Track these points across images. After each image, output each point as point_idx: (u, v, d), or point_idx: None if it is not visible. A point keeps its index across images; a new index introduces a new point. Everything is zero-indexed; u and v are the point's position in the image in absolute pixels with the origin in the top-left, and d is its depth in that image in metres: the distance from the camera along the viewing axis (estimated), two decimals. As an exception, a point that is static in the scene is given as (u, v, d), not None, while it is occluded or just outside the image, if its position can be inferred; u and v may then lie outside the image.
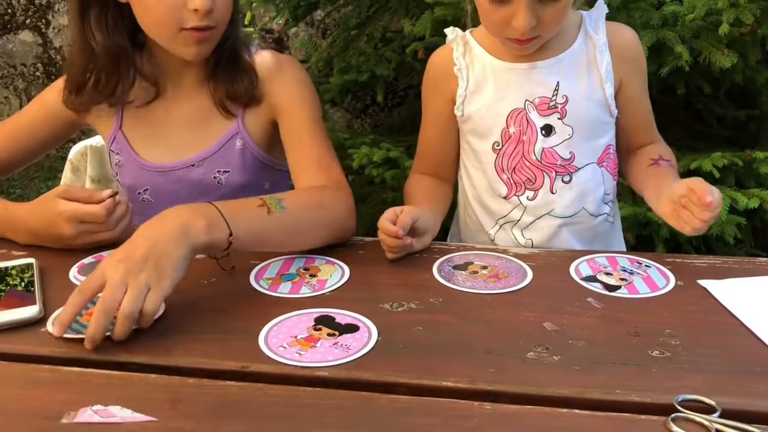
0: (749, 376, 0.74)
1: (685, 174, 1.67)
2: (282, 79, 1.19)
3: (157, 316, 0.83)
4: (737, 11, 1.62)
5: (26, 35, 3.77)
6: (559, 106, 1.09)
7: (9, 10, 3.73)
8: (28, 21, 3.75)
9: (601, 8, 1.13)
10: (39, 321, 0.85)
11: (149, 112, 1.21)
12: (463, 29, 1.19)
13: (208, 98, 1.18)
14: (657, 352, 0.78)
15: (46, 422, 0.67)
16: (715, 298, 0.90)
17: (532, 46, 1.06)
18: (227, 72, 1.17)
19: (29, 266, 0.96)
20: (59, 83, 1.23)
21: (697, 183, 0.95)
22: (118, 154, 1.24)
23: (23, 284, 0.91)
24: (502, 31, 1.04)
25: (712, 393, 0.69)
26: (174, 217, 0.87)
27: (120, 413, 0.68)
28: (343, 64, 2.28)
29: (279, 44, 3.36)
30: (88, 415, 0.68)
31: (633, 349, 0.79)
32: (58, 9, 3.68)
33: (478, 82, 1.13)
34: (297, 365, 0.76)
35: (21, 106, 3.86)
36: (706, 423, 0.65)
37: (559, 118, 1.09)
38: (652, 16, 1.74)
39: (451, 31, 1.18)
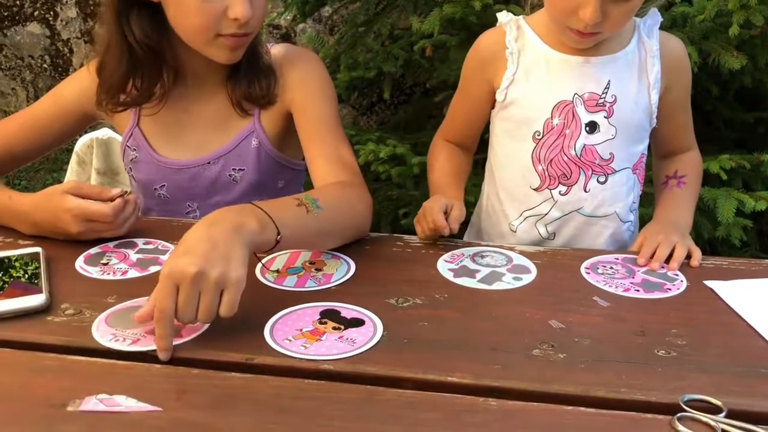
0: (755, 377, 0.73)
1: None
2: (297, 73, 1.19)
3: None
4: (748, 13, 1.62)
5: (34, 27, 3.78)
6: (608, 105, 1.09)
7: (17, 2, 3.74)
8: (36, 13, 3.75)
9: (655, 16, 1.12)
10: (45, 309, 0.85)
11: (168, 110, 1.20)
12: (476, 27, 1.19)
13: (227, 98, 1.19)
14: (663, 351, 0.78)
15: (51, 410, 0.67)
16: (722, 299, 0.90)
17: (592, 40, 1.06)
18: (247, 73, 1.16)
19: (34, 256, 0.96)
20: (75, 80, 1.23)
21: (645, 243, 1.03)
22: (134, 150, 1.23)
23: (26, 276, 0.91)
24: (566, 19, 1.02)
25: (718, 393, 0.69)
26: (226, 219, 0.83)
27: (125, 402, 0.68)
28: (351, 60, 2.28)
29: (286, 40, 3.36)
30: (93, 403, 0.68)
31: (639, 349, 0.78)
32: (66, 1, 3.69)
33: (528, 68, 1.12)
34: (302, 358, 0.76)
35: (28, 98, 3.87)
36: (713, 423, 0.65)
37: (605, 117, 1.09)
38: (662, 16, 1.73)
39: (504, 15, 1.17)
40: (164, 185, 1.23)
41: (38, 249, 0.98)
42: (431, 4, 1.96)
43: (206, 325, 0.81)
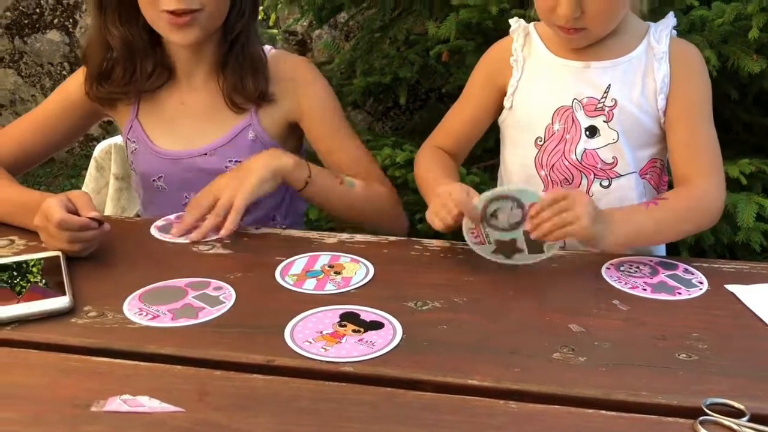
0: (778, 381, 0.73)
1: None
2: (302, 85, 1.23)
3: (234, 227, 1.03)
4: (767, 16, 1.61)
5: (54, 35, 3.83)
6: (607, 109, 1.08)
7: (37, 10, 3.79)
8: (55, 21, 3.80)
9: (669, 20, 1.11)
10: (69, 312, 0.86)
11: (164, 101, 1.24)
12: (492, 32, 1.19)
13: (218, 91, 1.21)
14: (684, 355, 0.77)
15: (75, 410, 0.68)
16: (743, 303, 0.89)
17: (579, 38, 1.06)
18: (236, 67, 1.19)
19: (55, 260, 0.97)
20: (79, 74, 1.26)
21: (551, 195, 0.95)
22: (134, 142, 1.26)
23: (43, 282, 0.92)
24: (549, 16, 1.04)
25: (740, 397, 0.69)
26: (269, 153, 1.13)
27: (148, 403, 0.69)
28: (366, 66, 2.29)
29: (302, 46, 3.38)
30: (117, 404, 0.69)
31: (659, 352, 0.78)
32: (85, 9, 3.73)
33: (531, 74, 1.13)
34: (322, 360, 0.76)
35: (47, 104, 3.92)
36: (735, 427, 0.65)
37: (604, 121, 1.09)
38: (680, 20, 1.72)
39: (514, 22, 1.18)
40: (162, 176, 1.25)
41: (58, 253, 0.99)
42: (447, 10, 1.96)
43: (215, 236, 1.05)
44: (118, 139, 1.61)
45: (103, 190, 1.61)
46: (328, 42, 3.26)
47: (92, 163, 1.62)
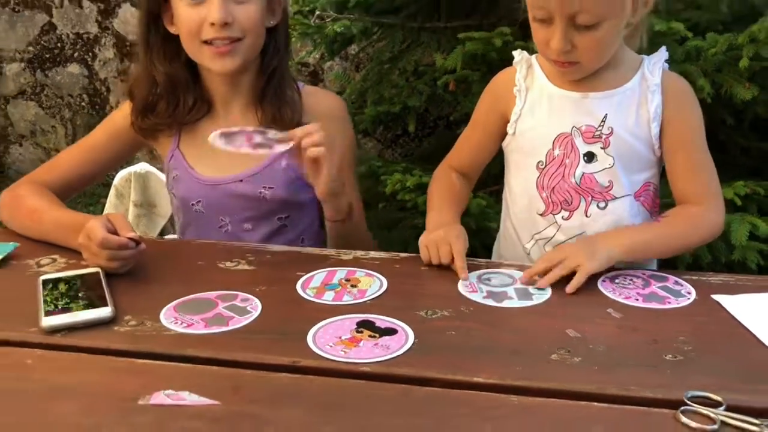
0: (755, 379, 0.81)
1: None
2: (334, 122, 1.32)
3: None
4: (757, 46, 1.69)
5: (74, 68, 3.96)
6: (604, 137, 1.17)
7: (59, 45, 3.93)
8: (75, 54, 3.93)
9: (661, 53, 1.20)
10: (111, 321, 0.95)
11: (204, 132, 1.32)
12: (497, 63, 1.29)
13: (256, 122, 1.30)
14: (670, 356, 0.85)
15: (124, 403, 0.77)
16: (728, 311, 0.97)
17: (573, 71, 1.15)
18: (273, 100, 1.29)
19: (95, 275, 1.06)
20: (125, 107, 1.37)
21: (541, 259, 1.08)
22: (175, 169, 1.36)
23: (86, 295, 1.00)
24: (544, 50, 1.13)
25: (719, 391, 0.76)
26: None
27: (189, 397, 0.77)
28: (377, 96, 2.38)
29: (314, 77, 3.49)
30: (161, 398, 0.77)
31: (648, 354, 0.86)
32: (104, 43, 3.87)
33: (533, 103, 1.22)
34: (342, 361, 0.84)
35: (66, 135, 4.04)
36: (712, 415, 0.72)
37: (601, 148, 1.17)
38: (676, 50, 1.82)
39: (518, 54, 1.27)
40: (200, 201, 1.35)
41: (98, 269, 1.08)
42: (454, 42, 2.06)
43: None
44: (137, 167, 1.71)
45: (123, 216, 1.70)
46: (339, 73, 3.38)
47: (112, 191, 1.71)
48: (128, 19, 3.79)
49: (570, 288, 1.02)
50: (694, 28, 1.89)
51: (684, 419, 0.72)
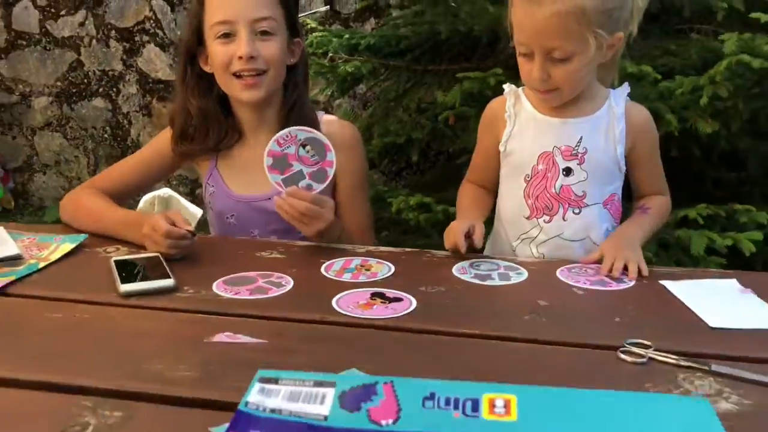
0: (680, 332, 1.04)
1: (677, 222, 1.99)
2: (350, 147, 1.56)
3: None
4: (715, 87, 1.96)
5: (98, 102, 4.20)
6: (579, 155, 1.42)
7: (85, 80, 4.19)
8: (100, 89, 4.18)
9: (624, 88, 1.47)
10: (173, 289, 1.18)
11: (237, 155, 1.58)
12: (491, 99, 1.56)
13: None
14: (618, 318, 1.08)
15: (191, 341, 0.99)
16: (670, 291, 1.20)
17: (553, 97, 1.39)
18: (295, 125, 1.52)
19: (156, 258, 1.29)
20: (167, 132, 1.62)
21: (605, 259, 1.30)
22: (212, 186, 1.60)
23: (151, 271, 1.23)
24: (527, 80, 1.38)
25: (650, 338, 0.99)
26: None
27: (243, 338, 1.00)
28: (383, 129, 2.64)
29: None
30: (221, 337, 1.00)
31: (602, 317, 1.10)
32: (128, 79, 4.12)
33: (521, 127, 1.47)
34: (361, 317, 1.07)
35: (89, 165, 4.27)
36: (642, 353, 0.95)
37: (578, 164, 1.42)
38: (651, 91, 2.08)
39: (507, 86, 1.52)
40: (234, 214, 1.59)
41: (157, 254, 1.31)
42: (453, 81, 2.32)
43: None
44: (161, 192, 1.96)
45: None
46: (347, 110, 3.65)
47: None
48: (152, 59, 4.06)
49: (631, 275, 1.25)
50: (669, 72, 2.16)
51: (622, 356, 0.95)
